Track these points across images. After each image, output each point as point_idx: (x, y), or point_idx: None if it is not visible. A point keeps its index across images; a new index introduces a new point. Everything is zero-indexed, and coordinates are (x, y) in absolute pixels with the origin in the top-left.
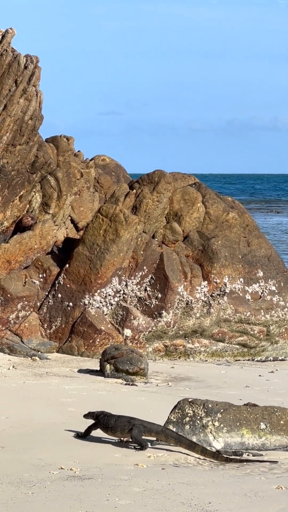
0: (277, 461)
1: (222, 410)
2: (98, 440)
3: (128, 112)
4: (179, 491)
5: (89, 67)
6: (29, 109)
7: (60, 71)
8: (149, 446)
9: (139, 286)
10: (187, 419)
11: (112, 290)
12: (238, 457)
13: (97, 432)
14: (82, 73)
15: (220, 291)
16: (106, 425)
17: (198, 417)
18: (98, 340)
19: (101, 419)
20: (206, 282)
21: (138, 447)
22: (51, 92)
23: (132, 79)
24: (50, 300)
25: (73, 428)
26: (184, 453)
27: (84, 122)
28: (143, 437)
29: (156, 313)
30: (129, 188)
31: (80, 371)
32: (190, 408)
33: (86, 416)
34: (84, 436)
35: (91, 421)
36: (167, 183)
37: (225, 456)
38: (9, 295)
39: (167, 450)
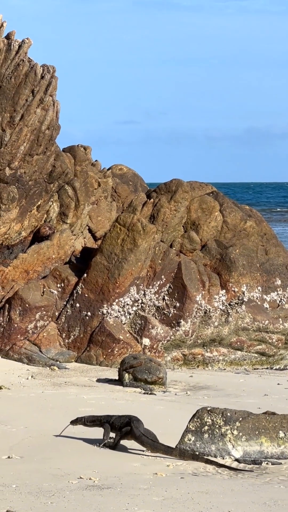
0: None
1: (241, 419)
2: (117, 449)
3: (146, 121)
4: (198, 500)
5: (107, 77)
6: (46, 119)
7: (77, 81)
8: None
9: (157, 295)
10: (206, 428)
11: (130, 299)
12: (218, 461)
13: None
14: (100, 83)
15: (238, 299)
16: (112, 425)
17: (217, 426)
18: (116, 349)
19: (114, 421)
20: (224, 291)
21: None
22: (68, 102)
23: (150, 88)
24: (69, 310)
25: (92, 437)
26: (202, 462)
27: (102, 131)
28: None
29: (174, 322)
30: (146, 197)
31: (98, 380)
32: (209, 417)
33: (74, 422)
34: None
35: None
36: (184, 192)
37: (205, 458)
38: (27, 305)
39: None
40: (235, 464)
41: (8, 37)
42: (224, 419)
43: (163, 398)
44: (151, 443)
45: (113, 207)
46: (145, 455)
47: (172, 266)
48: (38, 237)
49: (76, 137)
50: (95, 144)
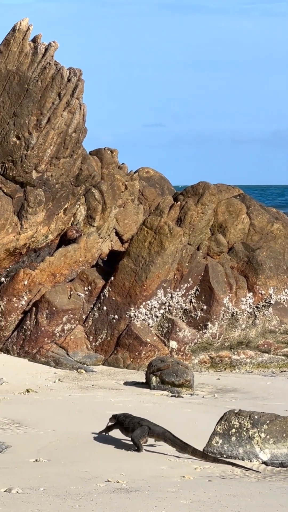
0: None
1: (268, 422)
2: (144, 452)
3: (173, 124)
4: (226, 503)
5: (134, 80)
6: (72, 122)
7: (104, 84)
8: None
9: (184, 298)
10: (233, 430)
11: (158, 302)
12: (225, 459)
13: (145, 445)
14: (127, 86)
15: (265, 302)
16: (122, 424)
17: (245, 429)
18: (143, 352)
19: (119, 419)
20: (251, 293)
21: (135, 448)
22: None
23: (177, 91)
24: (96, 313)
25: (119, 440)
26: (230, 465)
27: (129, 134)
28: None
29: (201, 324)
30: (173, 200)
31: (126, 383)
32: (236, 420)
33: (111, 419)
34: (105, 431)
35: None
36: (211, 194)
37: (213, 456)
38: (54, 308)
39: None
40: (262, 467)
41: (34, 40)
42: (252, 421)
43: (191, 401)
44: (172, 438)
45: (140, 210)
46: (177, 456)
47: (199, 269)
48: (65, 240)
49: (103, 140)
50: (122, 147)
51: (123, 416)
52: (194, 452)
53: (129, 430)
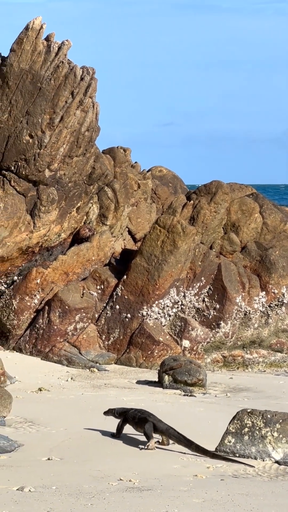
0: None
1: (281, 421)
2: (157, 451)
3: (186, 123)
4: (238, 502)
5: (147, 79)
6: (85, 121)
7: (117, 83)
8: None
9: (197, 297)
10: (246, 429)
11: (170, 301)
12: (222, 455)
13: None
14: (140, 85)
15: (278, 301)
16: (133, 419)
17: (257, 428)
18: (156, 351)
19: (129, 415)
20: (264, 292)
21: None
22: (108, 104)
23: (190, 91)
24: (108, 312)
25: (132, 439)
26: (243, 464)
27: (142, 133)
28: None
29: (214, 323)
30: (186, 199)
31: (138, 382)
32: (249, 419)
33: (106, 413)
34: (117, 434)
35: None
36: (224, 193)
37: (212, 452)
38: (67, 307)
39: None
40: (275, 467)
41: (47, 39)
42: (264, 421)
43: (203, 400)
44: (177, 435)
45: (152, 209)
46: (188, 453)
47: (212, 267)
48: (77, 238)
49: (116, 139)
50: (135, 146)
51: (134, 411)
52: (197, 448)
53: (138, 424)
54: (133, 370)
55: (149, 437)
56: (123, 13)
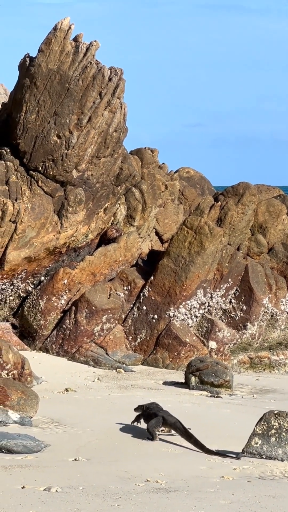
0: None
1: None
2: (183, 452)
3: (214, 124)
4: (265, 504)
5: (175, 79)
6: (113, 121)
7: (146, 84)
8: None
9: (224, 298)
10: (273, 431)
11: (197, 302)
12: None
13: (183, 443)
14: (168, 85)
15: None
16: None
17: (284, 429)
18: (183, 352)
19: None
20: None
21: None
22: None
23: (218, 91)
24: (135, 313)
25: (158, 440)
26: (269, 466)
27: (170, 134)
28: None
29: (241, 325)
30: (214, 200)
31: (165, 383)
32: (276, 420)
33: (137, 409)
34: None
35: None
36: (252, 195)
37: (207, 448)
38: (94, 308)
39: (251, 462)
40: None
41: (75, 39)
42: None
43: (230, 401)
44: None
45: (180, 210)
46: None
47: (239, 269)
48: (105, 239)
49: (144, 140)
50: (163, 147)
51: (149, 406)
52: (195, 443)
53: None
54: (160, 371)
55: (150, 433)
56: (151, 13)
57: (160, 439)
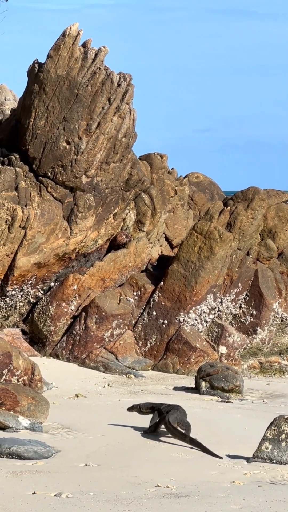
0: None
1: None
2: (194, 457)
3: (223, 129)
4: (276, 509)
5: (184, 85)
6: (122, 127)
7: (154, 89)
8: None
9: (234, 303)
10: (284, 436)
11: (207, 307)
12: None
13: (193, 448)
14: (177, 91)
15: None
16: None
17: None
18: (193, 357)
19: (162, 408)
20: None
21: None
22: (145, 110)
23: (227, 97)
24: (145, 318)
25: (169, 445)
26: (280, 471)
27: (179, 139)
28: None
29: (251, 330)
30: (223, 205)
31: (175, 388)
32: (286, 425)
33: (130, 409)
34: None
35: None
36: (261, 200)
37: (190, 437)
38: (103, 313)
39: (262, 467)
40: None
41: (84, 45)
42: None
43: (240, 406)
44: (172, 429)
45: (189, 215)
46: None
47: (249, 274)
48: (114, 245)
49: (153, 145)
50: (172, 152)
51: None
52: (182, 436)
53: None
54: (170, 376)
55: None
56: (159, 18)
57: (170, 444)
